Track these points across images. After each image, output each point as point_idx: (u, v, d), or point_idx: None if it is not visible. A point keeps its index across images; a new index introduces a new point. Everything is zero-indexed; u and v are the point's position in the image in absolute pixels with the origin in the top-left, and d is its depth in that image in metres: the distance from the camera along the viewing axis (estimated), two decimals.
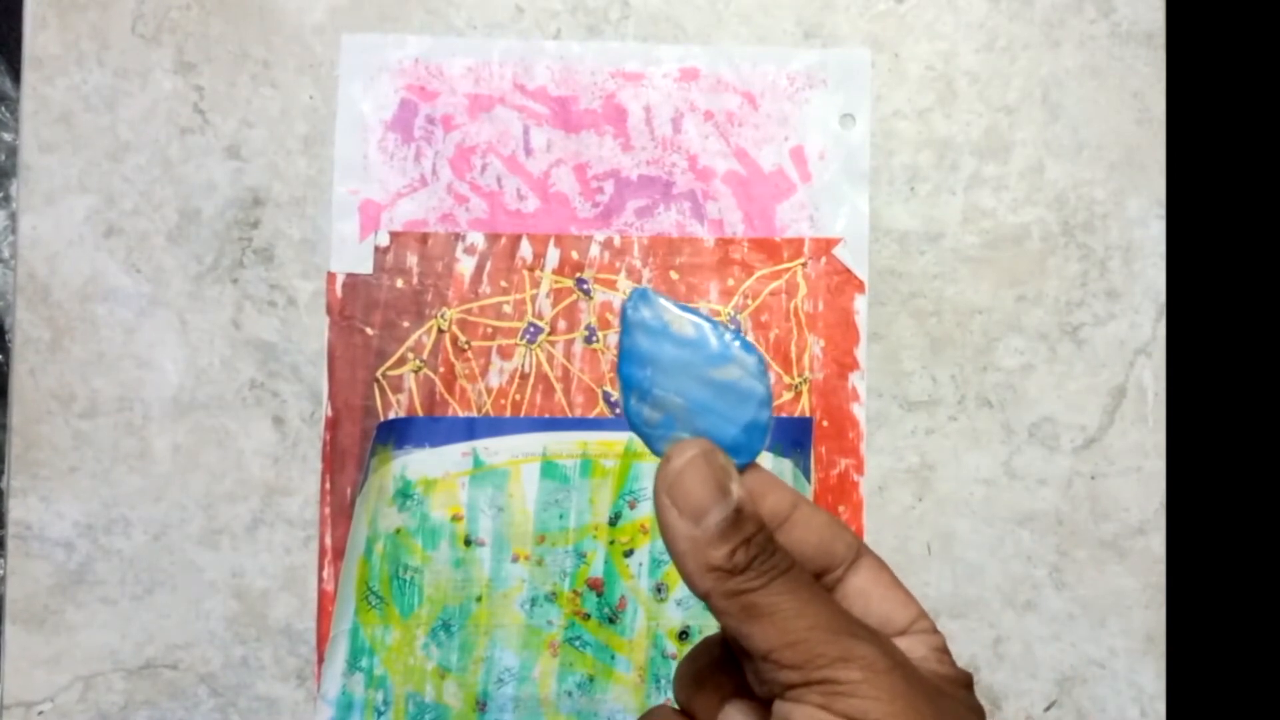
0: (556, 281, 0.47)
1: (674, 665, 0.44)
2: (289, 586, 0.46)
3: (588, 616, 0.45)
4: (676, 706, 0.28)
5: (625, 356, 0.26)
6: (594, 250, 0.47)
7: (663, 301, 0.26)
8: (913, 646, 0.26)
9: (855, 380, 0.47)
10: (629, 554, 0.45)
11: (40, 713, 0.46)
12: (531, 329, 0.47)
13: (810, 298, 0.47)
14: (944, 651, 0.27)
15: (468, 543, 0.45)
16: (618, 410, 0.47)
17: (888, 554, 0.47)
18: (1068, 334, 0.48)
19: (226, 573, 0.46)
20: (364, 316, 0.47)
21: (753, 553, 0.24)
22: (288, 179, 0.47)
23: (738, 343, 0.26)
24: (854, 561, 0.27)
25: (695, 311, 0.26)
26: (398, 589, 0.44)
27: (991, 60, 0.49)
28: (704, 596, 0.24)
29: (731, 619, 0.24)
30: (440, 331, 0.47)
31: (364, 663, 0.44)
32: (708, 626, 0.44)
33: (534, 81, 0.48)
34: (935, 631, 0.27)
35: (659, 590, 0.45)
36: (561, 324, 0.47)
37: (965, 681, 0.26)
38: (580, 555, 0.45)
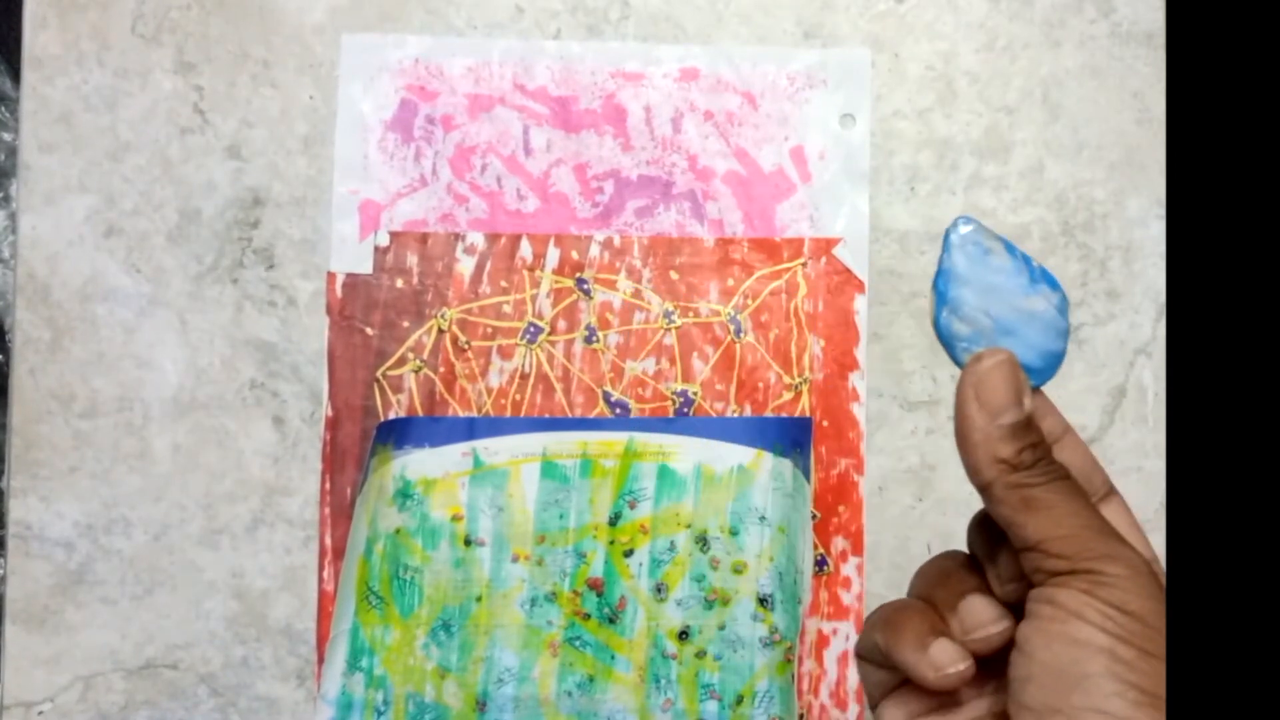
0: (556, 281, 0.47)
1: (673, 665, 0.44)
2: (289, 586, 0.46)
3: (588, 616, 0.45)
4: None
5: (944, 274, 0.29)
6: (594, 250, 0.47)
7: (986, 229, 0.29)
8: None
9: (855, 380, 0.47)
10: (629, 554, 0.45)
11: (40, 713, 0.46)
12: (531, 329, 0.47)
13: (810, 298, 0.47)
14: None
15: (468, 543, 0.45)
16: (618, 410, 0.47)
17: (888, 554, 0.47)
18: None
19: (226, 573, 0.46)
20: (364, 316, 0.47)
21: (1037, 455, 0.27)
22: (288, 179, 0.47)
23: (1048, 279, 0.29)
24: (1106, 496, 0.30)
25: (1012, 245, 0.29)
26: (398, 589, 0.44)
27: (991, 60, 0.49)
28: (985, 485, 0.27)
29: (1008, 508, 0.27)
30: (440, 331, 0.47)
31: (364, 663, 0.44)
32: (707, 627, 0.44)
33: (534, 81, 0.48)
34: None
35: (659, 590, 0.45)
36: (561, 324, 0.47)
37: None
38: (580, 555, 0.45)
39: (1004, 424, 0.27)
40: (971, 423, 0.27)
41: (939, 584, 0.30)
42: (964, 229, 0.29)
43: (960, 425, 0.27)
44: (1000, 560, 0.28)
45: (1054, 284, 0.29)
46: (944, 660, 0.27)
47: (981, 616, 0.28)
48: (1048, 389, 0.30)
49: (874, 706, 0.31)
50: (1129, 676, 0.24)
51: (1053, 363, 0.29)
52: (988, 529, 0.29)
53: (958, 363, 0.29)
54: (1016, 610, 0.27)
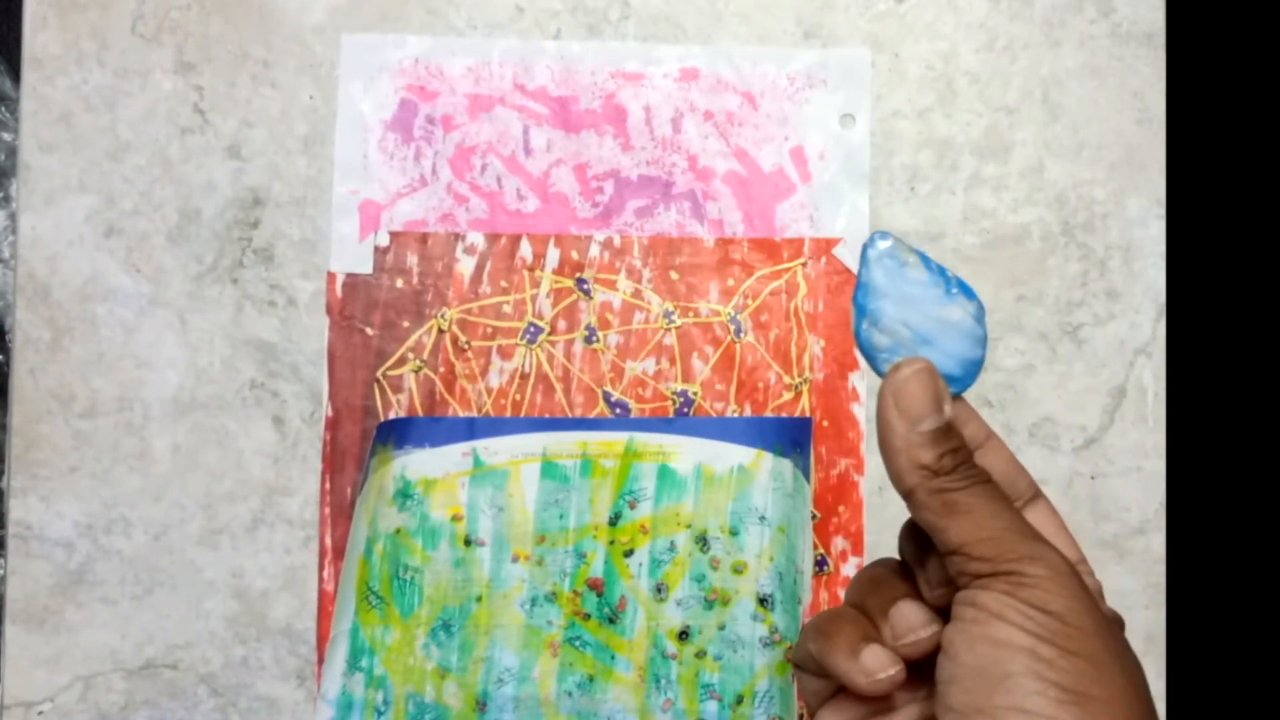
0: (556, 281, 0.47)
1: (673, 665, 0.44)
2: (289, 586, 0.46)
3: (588, 616, 0.45)
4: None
5: (863, 288, 0.30)
6: (594, 250, 0.47)
7: (903, 243, 0.30)
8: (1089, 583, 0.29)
9: (855, 380, 0.47)
10: (629, 554, 0.45)
11: (40, 713, 0.46)
12: (531, 329, 0.47)
13: (810, 297, 0.47)
14: (1101, 595, 0.29)
15: (468, 543, 0.45)
16: (618, 410, 0.47)
17: (888, 554, 0.47)
18: (1068, 334, 0.48)
19: (226, 573, 0.46)
20: (364, 316, 0.47)
21: (957, 460, 0.28)
22: (288, 179, 0.47)
23: (964, 289, 0.30)
24: (1031, 500, 0.30)
25: (927, 257, 0.30)
26: (398, 589, 0.44)
27: (991, 60, 0.49)
28: (908, 492, 0.28)
29: (931, 513, 0.27)
30: (440, 331, 0.47)
31: (364, 663, 0.44)
32: (707, 626, 0.44)
33: (534, 81, 0.48)
34: (1094, 576, 0.30)
35: (659, 590, 0.45)
36: (561, 324, 0.47)
37: (1120, 622, 0.29)
38: (580, 555, 0.45)
39: (924, 431, 0.28)
40: (892, 430, 0.28)
41: (871, 591, 0.30)
42: (881, 244, 0.30)
43: (882, 433, 0.28)
44: (929, 566, 0.29)
45: (970, 293, 0.30)
46: (874, 666, 0.28)
47: (911, 621, 0.28)
48: (970, 396, 0.31)
49: (812, 715, 0.31)
50: (1049, 675, 0.25)
51: (972, 370, 0.30)
52: (916, 535, 0.29)
53: (879, 373, 0.30)
54: (947, 615, 0.28)
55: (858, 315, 0.30)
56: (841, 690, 0.30)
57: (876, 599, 0.30)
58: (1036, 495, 0.31)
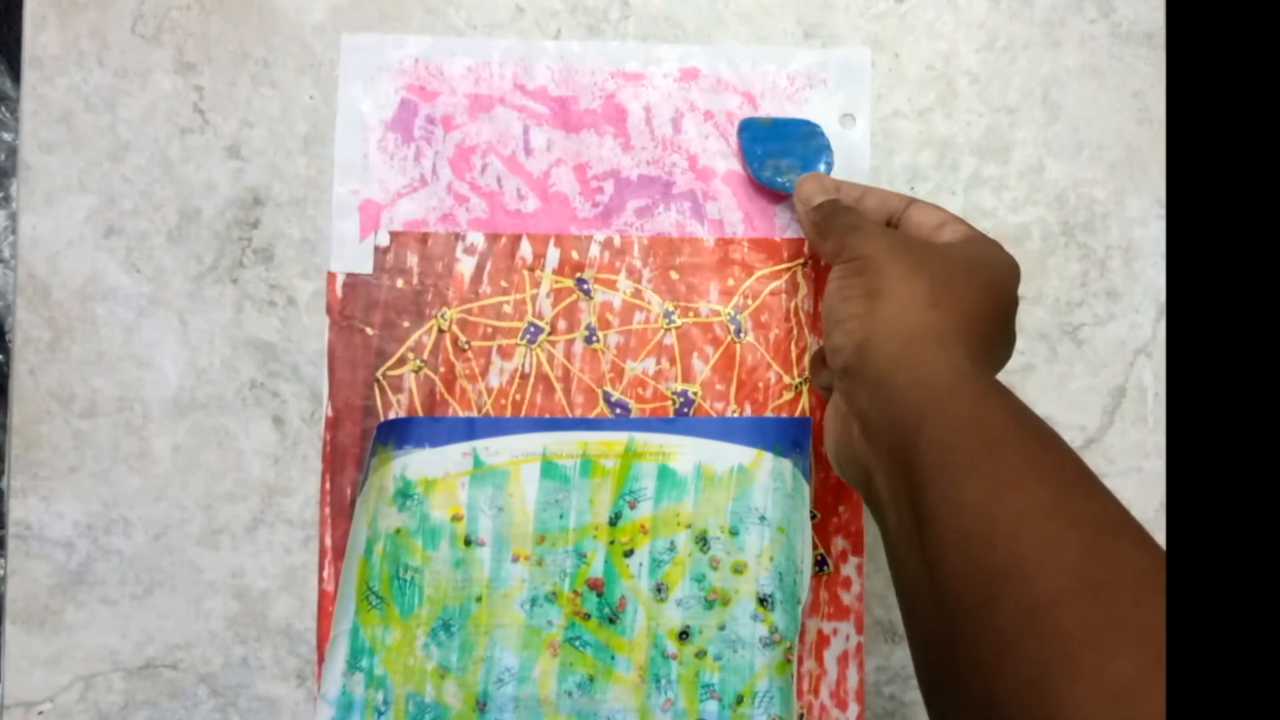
0: (556, 281, 0.47)
1: (673, 665, 0.44)
2: (289, 586, 0.46)
3: (588, 616, 0.45)
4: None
5: (747, 150, 0.47)
6: (594, 250, 0.47)
7: (756, 118, 0.47)
8: (942, 234, 0.40)
9: None
10: (629, 554, 0.45)
11: (40, 713, 0.46)
12: (532, 329, 0.47)
13: (810, 298, 0.47)
14: (970, 230, 0.40)
15: (468, 543, 0.45)
16: (618, 410, 0.47)
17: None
18: (1068, 334, 0.48)
19: (226, 573, 0.46)
20: (364, 316, 0.47)
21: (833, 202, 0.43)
22: (288, 179, 0.47)
23: (798, 122, 0.47)
24: (906, 209, 0.42)
25: (772, 118, 0.48)
26: (398, 589, 0.44)
27: (991, 60, 0.49)
28: (813, 240, 0.43)
29: (810, 233, 0.44)
30: (440, 331, 0.47)
31: (364, 663, 0.44)
32: (707, 626, 0.44)
33: (534, 81, 0.48)
34: (962, 221, 0.41)
35: (659, 590, 0.45)
36: (562, 324, 0.47)
37: (974, 238, 0.40)
38: (580, 555, 0.45)
39: (815, 204, 0.43)
40: (799, 214, 0.45)
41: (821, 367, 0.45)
42: (748, 125, 0.47)
43: (801, 221, 0.45)
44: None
45: (805, 121, 0.47)
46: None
47: None
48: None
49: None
50: (851, 290, 0.38)
51: (828, 160, 0.47)
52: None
53: (786, 190, 0.47)
54: None
55: (755, 168, 0.47)
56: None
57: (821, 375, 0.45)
58: (911, 204, 0.42)
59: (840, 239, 0.39)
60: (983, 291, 0.37)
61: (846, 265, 0.38)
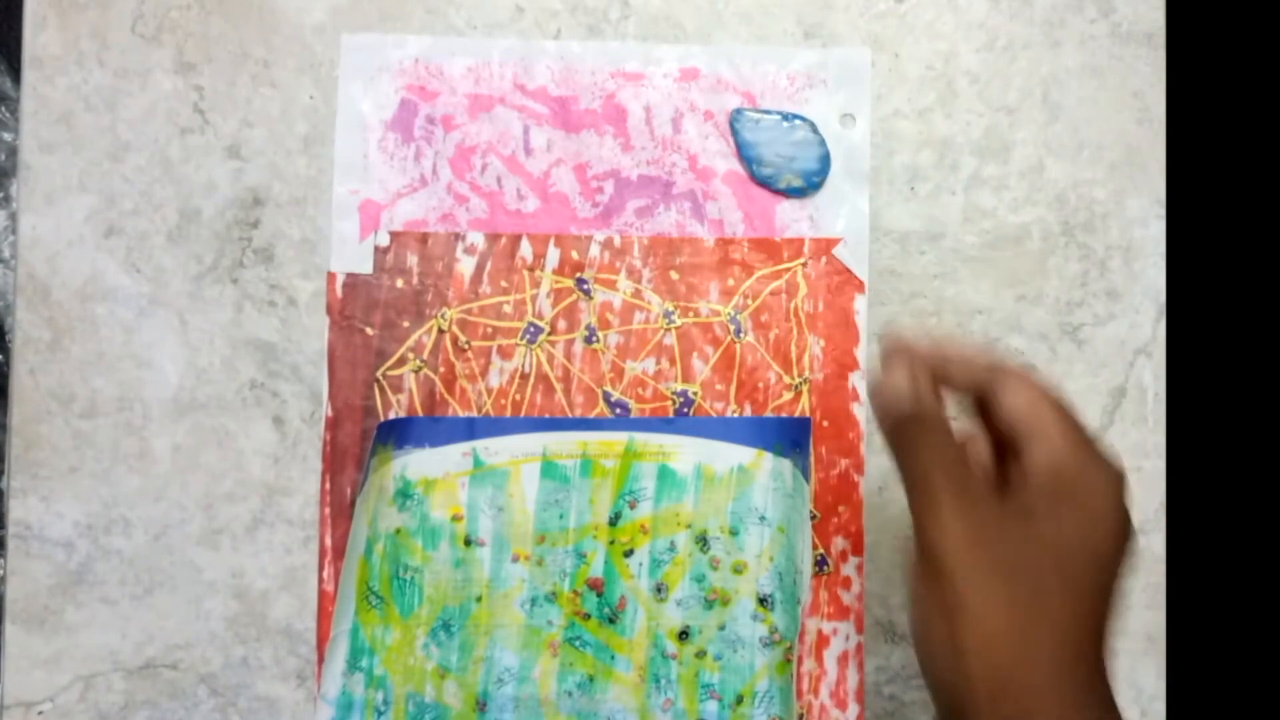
0: (556, 281, 0.47)
1: (673, 665, 0.44)
2: (289, 586, 0.46)
3: (588, 616, 0.45)
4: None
5: (743, 146, 0.47)
6: (594, 250, 0.47)
7: (752, 110, 0.47)
8: (1034, 452, 0.35)
9: (855, 380, 0.47)
10: (629, 554, 0.45)
11: (40, 713, 0.46)
12: (531, 329, 0.47)
13: (810, 298, 0.47)
14: (1064, 441, 0.34)
15: (468, 543, 0.45)
16: (618, 410, 0.47)
17: (887, 554, 0.47)
18: (1068, 334, 0.48)
19: (226, 573, 0.46)
20: (364, 316, 0.47)
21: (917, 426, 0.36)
22: (288, 179, 0.47)
23: (797, 118, 0.47)
24: (994, 386, 0.36)
25: (768, 110, 0.47)
26: (398, 589, 0.44)
27: (991, 60, 0.49)
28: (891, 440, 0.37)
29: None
30: (440, 331, 0.47)
31: (364, 663, 0.44)
32: (707, 626, 0.44)
33: (534, 81, 0.48)
34: (1061, 415, 0.35)
35: (659, 590, 0.45)
36: (561, 324, 0.47)
37: (1069, 468, 0.34)
38: (580, 555, 0.45)
39: (881, 415, 0.36)
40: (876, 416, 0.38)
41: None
42: (741, 119, 0.47)
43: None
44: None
45: (802, 118, 0.47)
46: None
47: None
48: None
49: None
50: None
51: (826, 165, 0.47)
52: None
53: (778, 190, 0.47)
54: None
55: (748, 164, 0.46)
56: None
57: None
58: (997, 377, 0.36)
59: (913, 497, 0.34)
60: (1080, 600, 0.33)
61: (923, 562, 0.34)
